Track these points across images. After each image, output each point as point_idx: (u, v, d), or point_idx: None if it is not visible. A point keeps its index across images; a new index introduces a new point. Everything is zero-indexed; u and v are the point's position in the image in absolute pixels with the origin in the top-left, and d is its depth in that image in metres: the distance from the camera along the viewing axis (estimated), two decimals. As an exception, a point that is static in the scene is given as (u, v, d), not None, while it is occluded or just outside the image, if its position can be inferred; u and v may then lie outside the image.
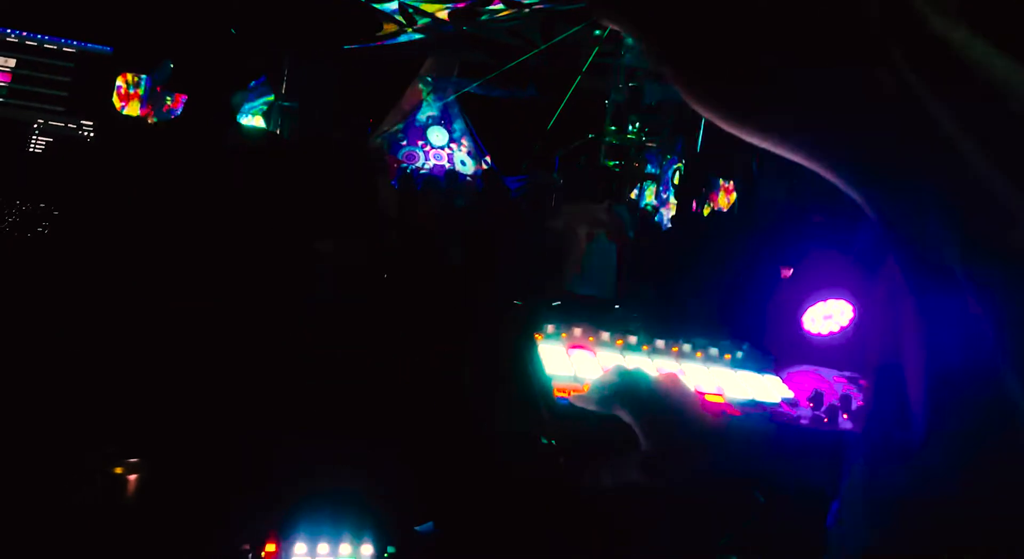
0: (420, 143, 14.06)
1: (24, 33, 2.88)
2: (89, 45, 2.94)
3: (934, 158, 0.42)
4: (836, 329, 1.89)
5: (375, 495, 1.24)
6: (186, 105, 2.03)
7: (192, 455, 1.32)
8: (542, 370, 0.98)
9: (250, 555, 1.13)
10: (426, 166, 13.36)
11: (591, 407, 0.85)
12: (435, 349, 1.55)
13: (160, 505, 1.19)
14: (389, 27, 12.17)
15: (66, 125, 2.89)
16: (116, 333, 1.50)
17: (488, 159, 14.15)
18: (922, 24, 0.42)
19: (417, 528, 1.23)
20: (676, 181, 10.29)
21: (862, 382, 1.19)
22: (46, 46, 2.95)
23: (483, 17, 11.39)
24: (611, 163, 10.59)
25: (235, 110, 2.16)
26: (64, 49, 2.96)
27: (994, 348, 0.41)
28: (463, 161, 14.16)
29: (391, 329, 1.65)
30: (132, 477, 1.19)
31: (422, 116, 14.15)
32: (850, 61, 0.42)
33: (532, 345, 1.03)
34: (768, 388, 1.10)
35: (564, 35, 11.28)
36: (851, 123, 0.44)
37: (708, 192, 9.66)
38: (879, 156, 0.45)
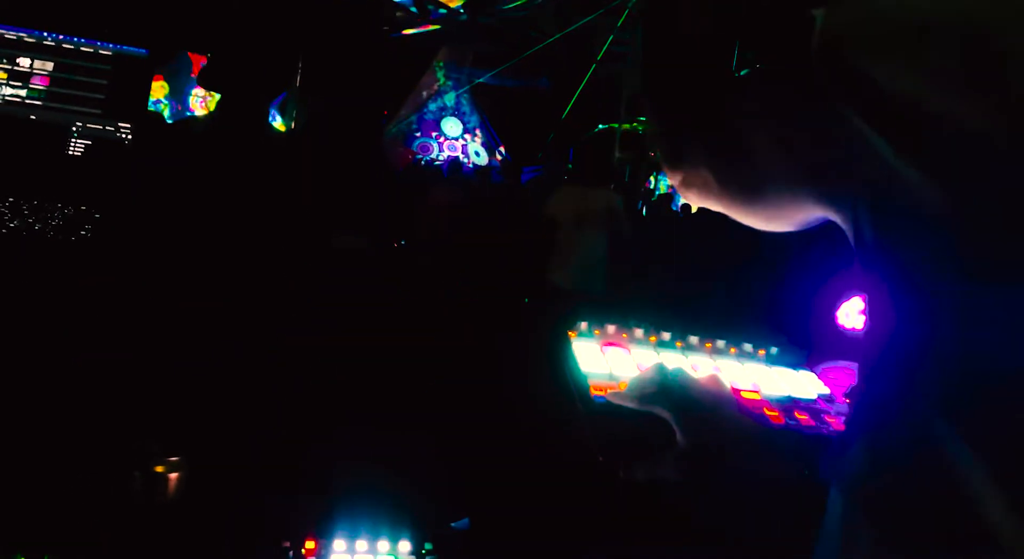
0: (434, 134, 14.01)
1: (61, 36, 2.90)
2: (125, 47, 2.95)
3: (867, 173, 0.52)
4: (871, 324, 1.86)
5: (413, 493, 1.25)
6: (220, 105, 2.04)
7: (231, 454, 1.34)
8: (577, 368, 0.97)
9: (291, 552, 1.15)
10: (440, 157, 13.32)
11: (629, 404, 0.85)
12: (467, 345, 1.56)
13: (201, 503, 1.22)
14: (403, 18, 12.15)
15: (104, 127, 2.90)
16: (158, 332, 1.52)
17: (503, 150, 14.10)
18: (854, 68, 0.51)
19: (454, 525, 1.24)
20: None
21: None
22: (83, 49, 2.96)
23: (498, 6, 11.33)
24: (624, 152, 10.48)
25: (267, 113, 2.17)
26: (100, 51, 2.97)
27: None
28: (477, 152, 14.11)
29: (422, 324, 1.66)
30: (172, 475, 1.21)
31: (440, 102, 14.05)
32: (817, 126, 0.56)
33: (566, 343, 1.03)
34: (804, 384, 1.09)
35: (578, 24, 11.21)
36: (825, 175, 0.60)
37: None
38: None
